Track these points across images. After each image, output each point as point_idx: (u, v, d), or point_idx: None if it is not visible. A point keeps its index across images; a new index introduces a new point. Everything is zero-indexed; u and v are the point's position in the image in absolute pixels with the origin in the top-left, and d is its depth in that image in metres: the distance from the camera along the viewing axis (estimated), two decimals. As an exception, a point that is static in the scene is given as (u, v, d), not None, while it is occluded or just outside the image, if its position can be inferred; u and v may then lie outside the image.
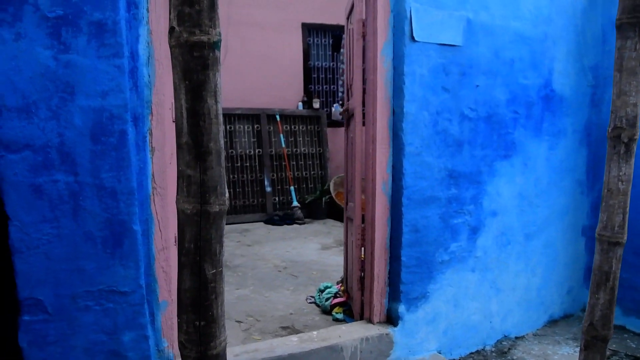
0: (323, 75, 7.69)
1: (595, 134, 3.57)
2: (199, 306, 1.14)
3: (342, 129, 6.44)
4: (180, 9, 1.06)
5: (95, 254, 2.06)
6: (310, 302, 3.68)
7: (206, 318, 1.15)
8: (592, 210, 3.66)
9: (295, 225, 6.60)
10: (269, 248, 5.33)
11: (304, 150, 7.28)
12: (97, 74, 1.98)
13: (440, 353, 3.01)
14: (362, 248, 3.03)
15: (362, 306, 3.02)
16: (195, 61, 1.07)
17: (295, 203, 6.89)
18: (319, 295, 3.61)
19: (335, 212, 6.88)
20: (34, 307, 1.99)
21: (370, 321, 2.94)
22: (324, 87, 7.71)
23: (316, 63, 7.65)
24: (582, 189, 3.59)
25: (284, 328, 3.21)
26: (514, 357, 3.08)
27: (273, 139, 7.07)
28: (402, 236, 2.83)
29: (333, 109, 7.53)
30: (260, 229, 6.36)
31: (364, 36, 2.88)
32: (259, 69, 7.06)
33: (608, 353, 2.55)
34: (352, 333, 2.81)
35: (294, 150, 7.21)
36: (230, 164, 6.78)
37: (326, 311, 3.46)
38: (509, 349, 3.22)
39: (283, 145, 7.04)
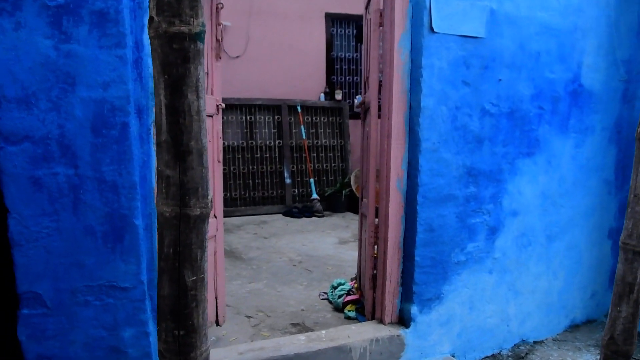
0: (346, 67, 7.56)
1: (626, 131, 3.38)
2: (179, 314, 1.07)
3: (364, 121, 6.33)
4: (159, -4, 0.99)
5: (96, 249, 2.02)
6: (323, 299, 3.61)
7: (186, 327, 1.08)
8: (619, 211, 3.48)
9: (314, 218, 6.53)
10: (286, 241, 5.28)
11: (325, 142, 7.19)
12: (99, 65, 1.93)
13: (453, 356, 2.91)
14: (375, 246, 2.93)
15: (374, 306, 2.94)
16: (175, 54, 0.99)
17: (314, 195, 6.82)
18: (332, 292, 3.53)
19: (355, 206, 6.78)
20: (33, 300, 1.97)
21: (381, 321, 2.85)
22: (347, 78, 7.58)
23: (339, 54, 7.52)
24: (609, 189, 3.42)
25: (294, 325, 3.15)
26: (532, 364, 2.96)
27: (294, 130, 7.00)
28: (417, 235, 2.73)
29: (355, 101, 7.41)
30: (278, 221, 6.31)
31: (381, 27, 2.77)
32: (280, 59, 6.97)
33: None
34: (361, 333, 2.73)
35: (315, 142, 7.13)
36: (249, 155, 6.73)
37: (338, 308, 3.38)
38: (527, 353, 3.09)
39: (304, 137, 6.96)
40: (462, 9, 2.63)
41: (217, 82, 2.73)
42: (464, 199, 2.82)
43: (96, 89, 1.93)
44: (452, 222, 2.80)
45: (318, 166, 7.12)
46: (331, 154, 7.22)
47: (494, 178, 2.90)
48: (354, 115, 7.33)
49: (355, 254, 4.50)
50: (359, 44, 7.54)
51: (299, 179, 7.00)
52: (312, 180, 6.91)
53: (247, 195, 6.69)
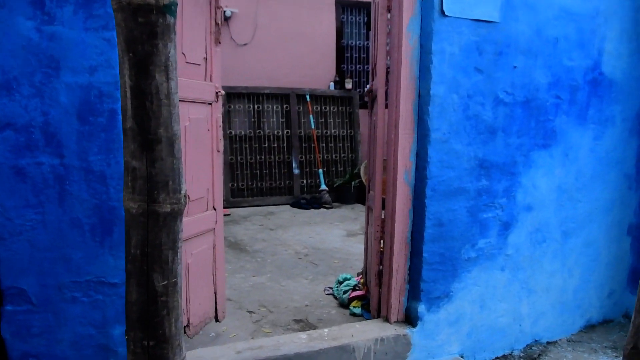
0: (357, 55, 7.38)
1: (649, 122, 3.21)
2: (148, 323, 0.96)
3: (374, 111, 6.17)
4: (121, -38, 0.86)
5: (83, 242, 1.92)
6: (328, 294, 3.49)
7: (156, 337, 0.97)
8: (640, 207, 3.32)
9: (322, 210, 6.41)
10: (292, 233, 5.17)
11: (335, 132, 7.04)
12: (85, 48, 1.82)
13: (462, 357, 2.79)
14: (381, 241, 2.81)
15: (379, 303, 2.81)
16: (140, 28, 0.87)
17: (323, 186, 6.69)
18: (337, 287, 3.42)
19: (364, 197, 6.63)
20: (17, 296, 1.87)
21: (387, 320, 2.73)
22: (357, 67, 7.41)
23: (350, 42, 7.34)
24: (630, 183, 3.25)
25: (296, 321, 3.04)
26: (545, 366, 2.83)
27: (302, 120, 6.86)
28: (425, 230, 2.60)
29: (366, 90, 7.24)
30: (285, 212, 6.20)
31: (389, 10, 2.62)
32: (289, 46, 6.81)
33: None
34: (366, 332, 2.61)
35: (324, 131, 6.99)
36: (257, 145, 6.61)
37: (344, 304, 3.27)
38: (539, 354, 2.96)
39: (312, 127, 6.82)
40: (476, -9, 2.48)
41: (217, 68, 2.61)
42: (475, 192, 2.68)
43: (82, 73, 1.82)
44: (462, 217, 2.67)
45: (327, 157, 6.99)
46: (340, 144, 7.08)
47: (508, 171, 2.75)
48: (364, 105, 7.16)
49: (363, 247, 4.39)
50: (370, 32, 7.35)
51: (307, 170, 6.87)
52: (320, 171, 6.78)
53: (254, 185, 6.58)
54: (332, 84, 7.11)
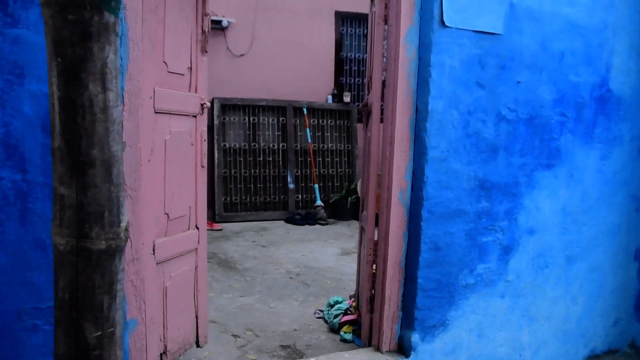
0: (356, 68, 7.25)
1: (658, 142, 3.06)
2: (79, 382, 0.79)
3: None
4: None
5: (47, 264, 1.76)
6: (318, 317, 3.32)
7: (89, 399, 0.80)
8: (648, 231, 3.15)
9: (317, 226, 6.23)
10: (285, 250, 4.99)
11: (332, 146, 6.89)
12: (51, 53, 1.66)
13: (459, 390, 2.61)
14: (374, 264, 2.64)
15: (371, 331, 2.64)
16: (70, 28, 0.71)
17: (318, 202, 6.51)
18: (328, 311, 3.24)
19: (361, 213, 6.49)
20: (-29, 324, 1.71)
21: (378, 349, 2.56)
22: (357, 80, 7.27)
23: (349, 54, 7.21)
24: (638, 205, 3.09)
25: (283, 347, 2.86)
26: (547, 401, 2.64)
27: (299, 133, 6.70)
28: (420, 255, 2.44)
29: (362, 104, 7.10)
30: (279, 229, 6.02)
31: (385, 20, 2.48)
32: (286, 58, 6.67)
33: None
34: (356, 363, 2.44)
35: (321, 145, 6.83)
36: (252, 158, 6.45)
37: (334, 329, 3.09)
38: (542, 387, 2.78)
39: (309, 140, 6.66)
40: (478, 1, 2.36)
41: (202, 78, 2.46)
42: (474, 214, 2.53)
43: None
44: (460, 241, 2.51)
45: (323, 171, 6.83)
46: (337, 159, 6.92)
47: (510, 192, 2.60)
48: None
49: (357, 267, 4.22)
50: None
51: (303, 185, 6.70)
52: (316, 186, 6.61)
53: (248, 200, 6.41)
54: (330, 97, 6.97)
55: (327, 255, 4.88)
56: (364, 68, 7.28)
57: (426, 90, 2.36)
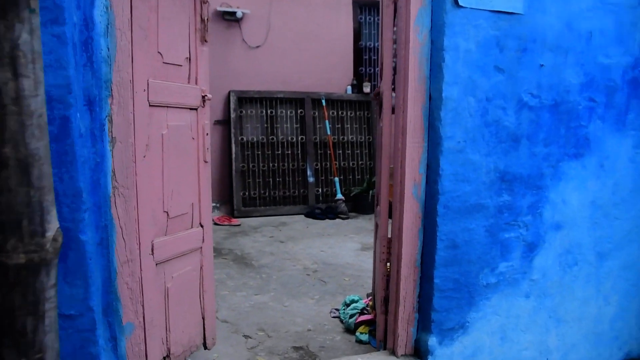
0: (375, 57, 7.05)
1: (698, 128, 2.82)
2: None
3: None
4: None
5: (33, 270, 1.66)
6: (334, 317, 3.19)
7: None
8: (688, 224, 2.92)
9: (337, 220, 6.10)
10: (303, 246, 4.87)
11: (352, 138, 6.73)
12: (30, 44, 1.56)
13: (480, 396, 2.45)
14: (388, 263, 2.49)
15: (386, 333, 2.50)
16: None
17: (339, 195, 6.37)
18: (344, 310, 3.11)
19: (382, 207, 6.32)
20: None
21: (393, 353, 2.42)
22: (376, 69, 7.08)
23: (368, 43, 7.02)
24: (676, 197, 2.87)
25: (296, 349, 2.75)
26: (577, 408, 2.46)
27: (318, 125, 6.56)
28: (437, 252, 2.29)
29: (373, 93, 6.91)
30: (298, 223, 5.91)
31: (395, 2, 2.31)
32: (304, 49, 6.53)
33: None
34: (369, 368, 2.31)
35: (341, 137, 6.68)
36: (270, 152, 6.35)
37: (350, 329, 2.96)
38: (571, 393, 2.60)
39: (328, 133, 6.51)
40: (495, -22, 2.16)
41: (203, 69, 2.34)
42: (495, 209, 2.36)
43: (27, 74, 1.56)
44: (480, 237, 2.35)
45: (344, 164, 6.68)
46: (358, 151, 6.76)
47: (533, 184, 2.42)
48: (384, 110, 6.84)
49: (374, 264, 4.08)
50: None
51: (322, 178, 6.57)
52: (336, 179, 6.46)
53: (267, 194, 6.31)
54: (349, 87, 6.80)
55: (347, 250, 4.74)
56: (384, 57, 7.09)
57: (440, 76, 2.20)
